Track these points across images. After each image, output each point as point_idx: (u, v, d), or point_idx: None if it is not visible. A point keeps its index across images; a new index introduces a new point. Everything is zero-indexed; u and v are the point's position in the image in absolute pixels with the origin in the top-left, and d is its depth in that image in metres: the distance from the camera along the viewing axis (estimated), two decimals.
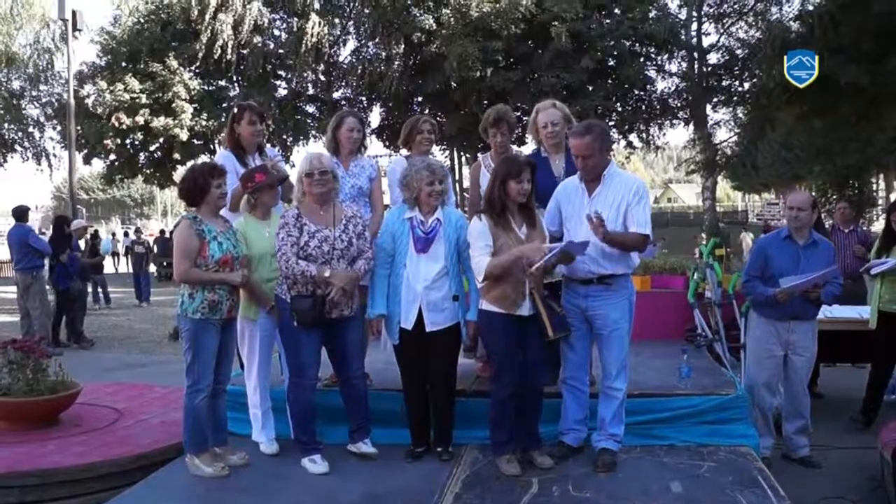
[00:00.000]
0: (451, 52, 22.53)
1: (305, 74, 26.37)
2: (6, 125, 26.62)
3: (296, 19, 25.56)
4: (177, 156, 25.25)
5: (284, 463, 3.99)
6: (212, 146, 25.58)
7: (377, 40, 25.52)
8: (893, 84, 18.07)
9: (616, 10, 24.67)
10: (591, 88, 24.34)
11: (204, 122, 24.74)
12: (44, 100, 27.57)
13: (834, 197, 24.24)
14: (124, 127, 23.94)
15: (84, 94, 24.59)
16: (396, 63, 24.80)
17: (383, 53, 25.28)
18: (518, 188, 3.67)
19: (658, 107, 27.24)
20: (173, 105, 24.17)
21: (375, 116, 28.49)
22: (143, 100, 23.91)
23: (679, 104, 27.26)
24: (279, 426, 4.20)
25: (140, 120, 23.81)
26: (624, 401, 3.90)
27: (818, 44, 16.91)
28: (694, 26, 25.91)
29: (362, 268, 3.89)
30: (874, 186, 30.23)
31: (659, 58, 26.33)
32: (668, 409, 4.22)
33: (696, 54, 25.74)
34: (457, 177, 28.05)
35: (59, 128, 26.67)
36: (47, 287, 9.80)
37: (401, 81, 24.88)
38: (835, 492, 4.34)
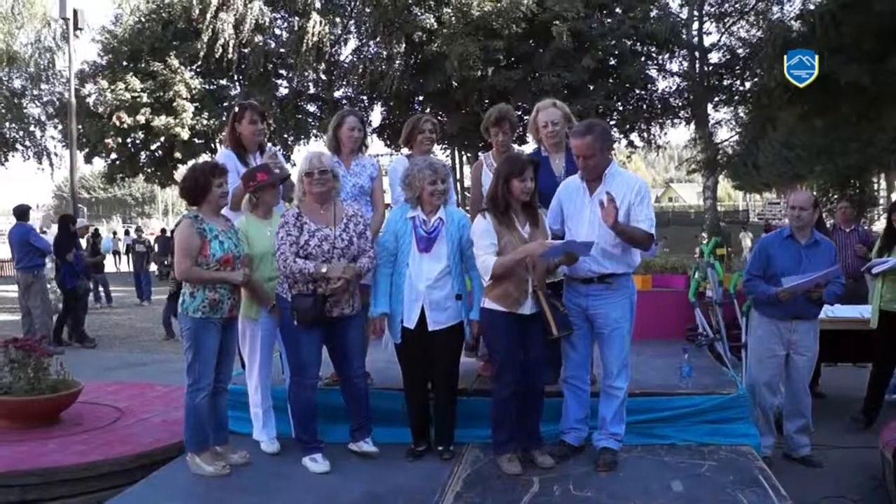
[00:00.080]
0: (453, 52, 22.51)
1: (306, 73, 26.34)
2: (7, 124, 26.57)
3: (297, 18, 25.53)
4: (178, 155, 25.21)
5: (285, 462, 3.99)
6: (213, 145, 25.55)
7: (378, 39, 25.50)
8: (894, 84, 18.06)
9: (617, 10, 24.62)
10: (592, 88, 24.30)
11: (205, 122, 24.71)
12: (45, 99, 27.57)
13: (835, 196, 24.19)
14: (125, 126, 23.92)
15: (85, 93, 24.55)
16: (397, 62, 24.78)
17: (384, 52, 25.27)
18: (521, 187, 3.68)
19: (659, 106, 27.18)
20: (174, 104, 24.15)
21: (376, 115, 28.49)
22: (145, 99, 23.89)
23: (680, 103, 27.19)
24: (280, 425, 4.20)
25: (141, 119, 23.78)
26: (625, 400, 3.91)
27: (819, 43, 16.90)
28: (695, 25, 25.85)
29: (365, 265, 3.89)
30: (875, 186, 30.21)
31: (660, 57, 26.27)
32: (669, 408, 4.22)
33: (697, 53, 25.68)
34: (458, 176, 28.01)
35: (60, 127, 26.64)
36: (50, 286, 9.80)
37: (402, 80, 24.85)
38: (836, 491, 4.34)
